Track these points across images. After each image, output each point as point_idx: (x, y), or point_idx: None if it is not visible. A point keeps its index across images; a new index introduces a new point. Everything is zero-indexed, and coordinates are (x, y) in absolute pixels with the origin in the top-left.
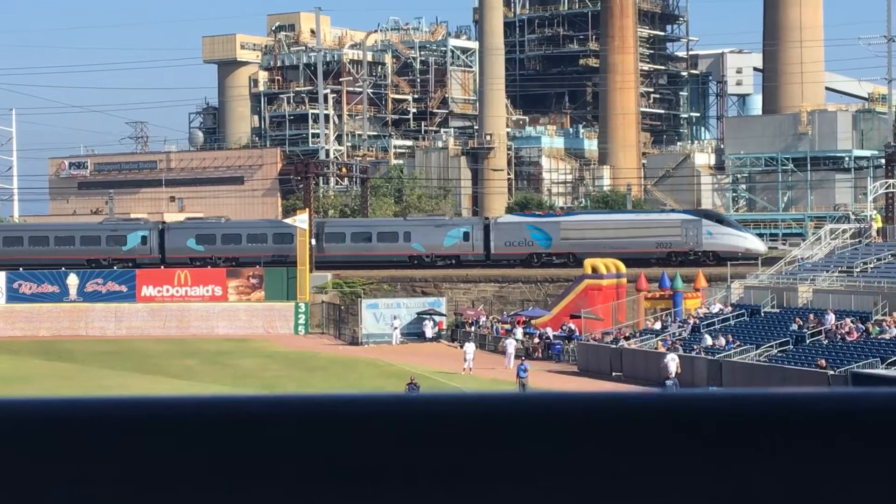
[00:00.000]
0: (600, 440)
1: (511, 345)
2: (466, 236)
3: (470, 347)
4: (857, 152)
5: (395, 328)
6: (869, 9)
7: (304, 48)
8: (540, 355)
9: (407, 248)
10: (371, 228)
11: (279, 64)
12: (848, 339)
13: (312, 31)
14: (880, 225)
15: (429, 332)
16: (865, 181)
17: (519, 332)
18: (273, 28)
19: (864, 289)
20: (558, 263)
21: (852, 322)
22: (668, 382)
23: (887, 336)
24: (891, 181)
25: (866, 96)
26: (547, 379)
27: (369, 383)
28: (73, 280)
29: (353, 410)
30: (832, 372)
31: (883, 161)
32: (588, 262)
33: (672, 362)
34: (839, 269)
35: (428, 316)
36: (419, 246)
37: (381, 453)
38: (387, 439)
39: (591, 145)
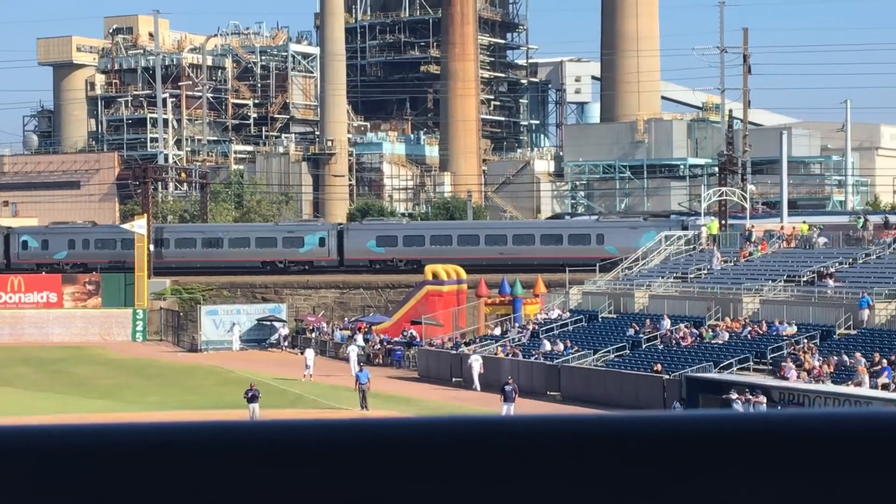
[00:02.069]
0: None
1: (353, 351)
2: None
3: (310, 354)
4: (692, 160)
5: (232, 332)
6: (703, 20)
7: (142, 51)
8: (381, 361)
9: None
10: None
11: (117, 67)
12: (683, 343)
13: (151, 35)
14: (715, 232)
15: (281, 337)
16: (700, 188)
17: (360, 338)
18: (110, 31)
19: (697, 294)
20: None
21: (687, 327)
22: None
23: (720, 341)
24: (724, 189)
25: (701, 106)
26: (388, 385)
27: (208, 391)
28: None
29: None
30: (667, 376)
31: (716, 169)
32: (429, 269)
33: (476, 363)
34: (674, 275)
35: (283, 323)
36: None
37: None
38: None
39: (432, 152)
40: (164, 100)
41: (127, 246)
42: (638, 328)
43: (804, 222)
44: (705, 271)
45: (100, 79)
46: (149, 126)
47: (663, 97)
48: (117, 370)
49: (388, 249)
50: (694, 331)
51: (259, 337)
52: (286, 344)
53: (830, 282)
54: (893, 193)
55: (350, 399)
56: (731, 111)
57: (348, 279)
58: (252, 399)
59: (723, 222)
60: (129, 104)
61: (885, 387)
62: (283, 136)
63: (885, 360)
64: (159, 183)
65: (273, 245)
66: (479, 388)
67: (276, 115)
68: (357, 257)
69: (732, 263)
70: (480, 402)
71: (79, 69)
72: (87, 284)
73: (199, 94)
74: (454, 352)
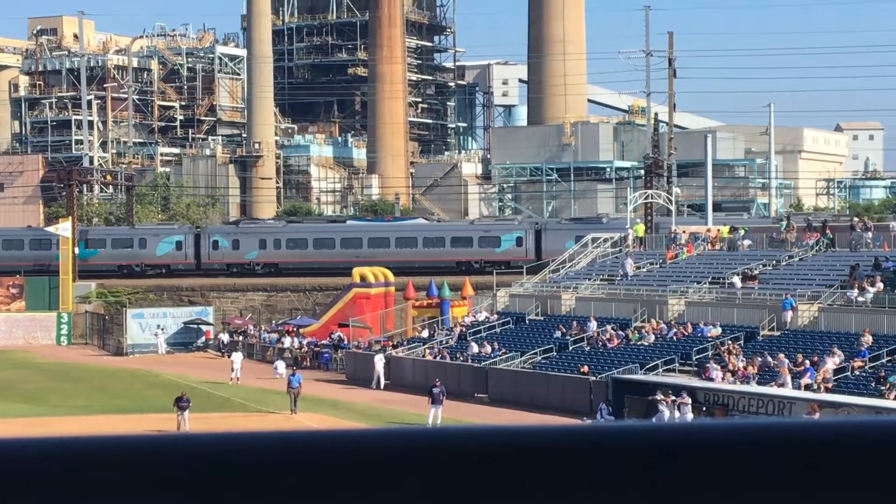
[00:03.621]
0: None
1: (281, 365)
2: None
3: (238, 357)
4: (618, 163)
5: (159, 335)
6: (629, 24)
7: (67, 53)
8: (308, 364)
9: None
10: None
11: (41, 68)
12: (609, 345)
13: (76, 36)
14: (642, 235)
15: (221, 343)
16: (626, 191)
17: (288, 340)
18: (34, 31)
19: (624, 296)
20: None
21: (613, 329)
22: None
23: (646, 342)
24: (650, 191)
25: (627, 109)
26: (316, 388)
27: (134, 395)
28: None
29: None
30: (594, 378)
31: (642, 172)
32: (356, 271)
33: (380, 362)
34: (601, 277)
35: (228, 335)
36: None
37: None
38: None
39: (359, 154)
40: (90, 102)
41: (321, 245)
42: (565, 330)
43: (725, 224)
44: (619, 276)
45: (23, 80)
46: (74, 128)
47: (590, 100)
48: (42, 374)
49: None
50: (620, 332)
51: (185, 340)
52: (226, 349)
53: (736, 282)
54: (816, 196)
55: (277, 402)
56: (656, 114)
57: (276, 282)
58: (182, 407)
59: (649, 225)
60: (54, 106)
61: (807, 387)
62: (210, 138)
63: (807, 361)
64: (84, 185)
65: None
66: (381, 386)
67: (203, 118)
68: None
69: (658, 266)
70: (409, 404)
71: (2, 70)
72: (11, 288)
73: (125, 95)
74: (381, 354)
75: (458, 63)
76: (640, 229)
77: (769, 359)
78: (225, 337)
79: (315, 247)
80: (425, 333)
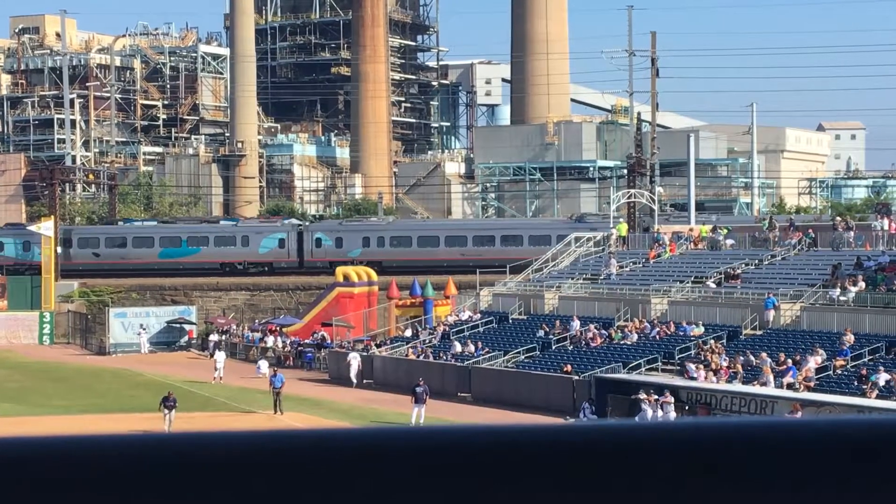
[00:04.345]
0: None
1: (264, 364)
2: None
3: (220, 356)
4: (601, 163)
5: (141, 334)
6: (612, 24)
7: (49, 51)
8: (292, 363)
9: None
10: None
11: (23, 67)
12: (592, 344)
13: (58, 35)
14: (625, 234)
15: (213, 345)
16: (609, 190)
17: (271, 340)
18: (16, 30)
19: (607, 296)
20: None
21: (596, 328)
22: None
23: (629, 341)
24: (633, 191)
25: (610, 108)
26: (299, 387)
27: (117, 394)
28: None
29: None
30: (577, 377)
31: (625, 171)
32: (340, 270)
33: (354, 360)
34: (584, 276)
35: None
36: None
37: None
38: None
39: (342, 153)
40: (72, 100)
41: (425, 243)
42: (548, 329)
43: (704, 223)
44: (603, 276)
45: (5, 79)
46: (56, 127)
47: (573, 100)
48: (23, 373)
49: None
50: (603, 332)
51: (168, 339)
52: (216, 351)
53: (711, 285)
54: (798, 195)
55: (260, 401)
56: (639, 114)
57: (258, 281)
58: (169, 407)
59: (631, 223)
60: (36, 105)
61: (790, 386)
62: (193, 137)
63: (789, 360)
64: (67, 184)
65: None
66: (355, 383)
67: (186, 117)
68: None
69: (641, 265)
70: (392, 404)
71: None
72: None
73: (108, 94)
74: (364, 353)
75: (441, 62)
76: (623, 228)
77: (751, 358)
78: (215, 337)
79: (419, 245)
80: (408, 333)
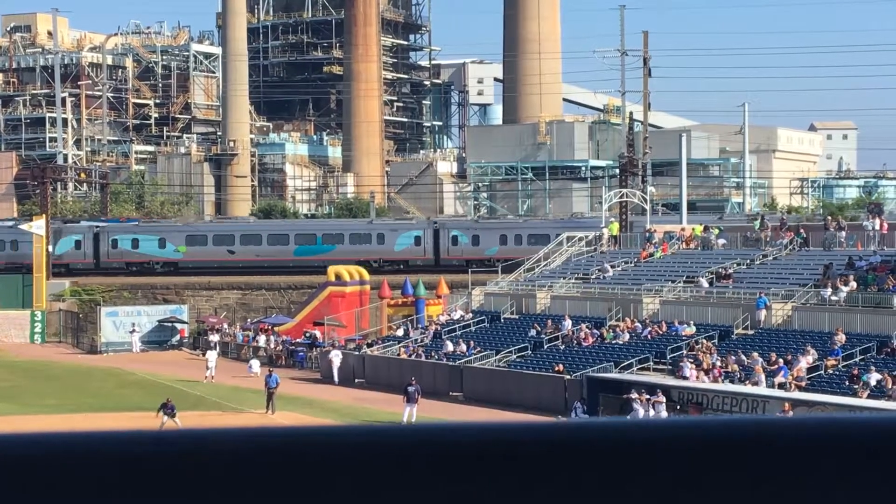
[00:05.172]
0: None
1: (256, 364)
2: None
3: (212, 355)
4: (594, 162)
5: (133, 333)
6: (604, 23)
7: (41, 50)
8: (283, 362)
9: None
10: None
11: (14, 66)
12: (584, 344)
13: (50, 33)
14: (616, 233)
15: (214, 345)
16: (601, 190)
17: (262, 339)
18: (8, 28)
19: (598, 295)
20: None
21: (588, 327)
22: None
23: (621, 341)
24: (625, 190)
25: (602, 108)
26: (291, 386)
27: (108, 393)
28: None
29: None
30: (568, 377)
31: (617, 171)
32: (332, 269)
33: (336, 358)
34: (575, 275)
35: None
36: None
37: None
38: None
39: (335, 153)
40: (64, 99)
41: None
42: (540, 329)
43: (699, 224)
44: (596, 275)
45: None
46: (48, 125)
47: (565, 99)
48: (15, 372)
49: None
50: (595, 331)
51: (160, 338)
52: (210, 348)
53: (703, 283)
54: (790, 195)
55: (252, 400)
56: (631, 113)
57: (250, 280)
58: (168, 414)
59: (623, 223)
60: (28, 103)
61: (781, 386)
62: (185, 136)
63: (781, 360)
64: (58, 183)
65: None
66: (337, 381)
67: (178, 116)
68: None
69: (633, 265)
70: (384, 403)
71: None
72: None
73: (99, 93)
74: (356, 353)
75: (433, 62)
76: (615, 228)
77: (743, 357)
78: (216, 337)
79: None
80: (400, 332)
